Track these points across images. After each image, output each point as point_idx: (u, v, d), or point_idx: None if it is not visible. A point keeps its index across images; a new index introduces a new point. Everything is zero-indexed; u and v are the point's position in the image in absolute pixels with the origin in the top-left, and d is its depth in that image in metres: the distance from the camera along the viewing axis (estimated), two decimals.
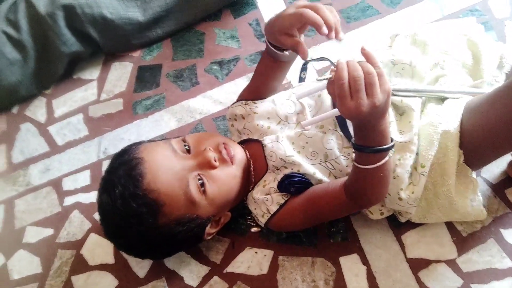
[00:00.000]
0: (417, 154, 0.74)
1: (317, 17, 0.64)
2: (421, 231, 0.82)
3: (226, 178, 0.76)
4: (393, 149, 0.64)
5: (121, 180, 0.70)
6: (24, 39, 1.10)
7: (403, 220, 0.80)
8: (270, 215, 0.77)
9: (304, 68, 0.88)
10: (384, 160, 0.63)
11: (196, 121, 1.05)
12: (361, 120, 0.59)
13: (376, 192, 0.68)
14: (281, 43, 0.70)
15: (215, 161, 0.74)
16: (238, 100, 0.89)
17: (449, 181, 0.73)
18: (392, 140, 0.64)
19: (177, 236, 0.74)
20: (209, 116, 1.05)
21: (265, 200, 0.77)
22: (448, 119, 0.73)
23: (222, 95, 1.07)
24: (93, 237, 0.96)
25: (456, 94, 0.76)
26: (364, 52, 0.59)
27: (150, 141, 0.82)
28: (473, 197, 0.75)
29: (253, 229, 0.85)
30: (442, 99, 0.78)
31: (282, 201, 0.76)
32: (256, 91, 0.87)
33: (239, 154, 0.79)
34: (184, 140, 0.78)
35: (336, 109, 0.60)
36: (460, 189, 0.74)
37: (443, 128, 0.72)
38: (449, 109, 0.75)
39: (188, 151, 0.76)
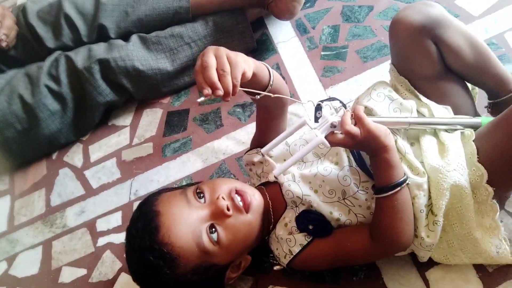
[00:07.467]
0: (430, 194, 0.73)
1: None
2: (446, 267, 0.79)
3: (241, 226, 0.75)
4: (408, 180, 0.69)
5: (139, 232, 0.73)
6: (64, 91, 1.17)
7: (420, 260, 0.79)
8: (292, 256, 0.78)
9: (318, 107, 0.89)
10: (396, 190, 0.69)
11: (220, 161, 1.09)
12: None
13: (394, 226, 0.69)
14: None
15: (228, 209, 0.74)
16: (251, 148, 0.91)
17: (468, 224, 0.72)
18: (404, 175, 0.69)
19: (196, 284, 0.75)
20: (232, 156, 1.09)
21: (288, 241, 0.78)
22: (455, 166, 0.72)
23: (245, 136, 1.11)
24: (124, 276, 0.99)
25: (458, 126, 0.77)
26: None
27: (171, 189, 0.83)
28: (498, 244, 0.73)
29: (276, 267, 0.85)
30: (434, 133, 0.78)
31: (305, 243, 0.77)
32: (264, 139, 0.86)
33: (256, 200, 0.78)
34: (199, 188, 0.78)
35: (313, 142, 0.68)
36: (484, 231, 0.73)
37: (453, 179, 0.71)
38: (452, 151, 0.74)
39: (204, 199, 0.77)
